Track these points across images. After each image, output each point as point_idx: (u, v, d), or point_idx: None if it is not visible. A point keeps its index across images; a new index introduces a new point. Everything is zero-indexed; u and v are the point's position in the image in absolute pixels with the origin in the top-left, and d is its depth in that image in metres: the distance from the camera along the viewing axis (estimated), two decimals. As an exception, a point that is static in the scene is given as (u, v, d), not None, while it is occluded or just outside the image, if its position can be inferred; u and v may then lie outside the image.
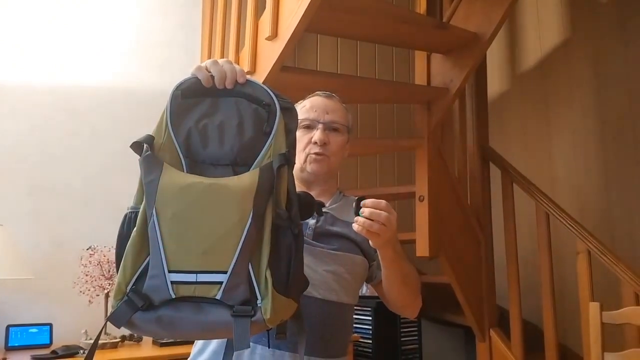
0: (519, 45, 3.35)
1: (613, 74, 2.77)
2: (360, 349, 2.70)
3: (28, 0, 2.41)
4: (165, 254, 0.77)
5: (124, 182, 2.42)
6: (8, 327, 2.04)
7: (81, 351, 1.96)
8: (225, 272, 0.76)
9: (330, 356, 1.17)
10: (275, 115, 0.88)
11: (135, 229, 0.80)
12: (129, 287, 0.78)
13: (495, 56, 3.43)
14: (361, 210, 1.04)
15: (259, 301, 0.77)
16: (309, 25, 1.80)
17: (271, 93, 0.90)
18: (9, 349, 2.01)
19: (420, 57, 2.49)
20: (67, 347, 1.95)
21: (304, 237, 1.17)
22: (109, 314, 0.78)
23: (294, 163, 0.89)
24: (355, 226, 1.06)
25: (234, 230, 0.77)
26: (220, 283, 0.76)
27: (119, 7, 2.61)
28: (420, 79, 2.46)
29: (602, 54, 2.83)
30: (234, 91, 0.89)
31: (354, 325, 2.74)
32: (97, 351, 0.86)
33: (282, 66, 1.91)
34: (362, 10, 1.96)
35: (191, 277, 0.76)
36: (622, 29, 2.76)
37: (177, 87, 0.88)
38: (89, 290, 2.15)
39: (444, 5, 2.65)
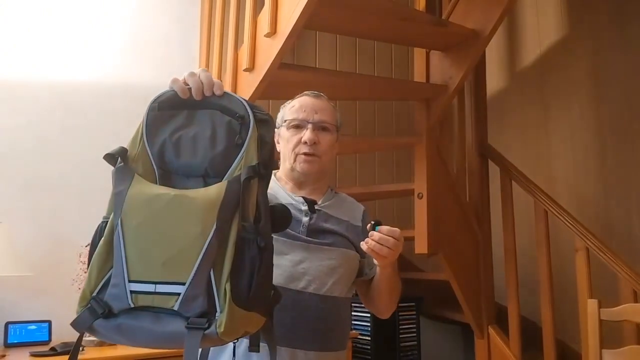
0: (518, 42, 3.35)
1: (611, 71, 2.77)
2: (359, 345, 2.71)
3: (26, -3, 2.40)
4: (126, 264, 0.78)
5: (122, 179, 2.42)
6: (7, 324, 2.04)
7: (80, 348, 1.95)
8: (184, 284, 0.76)
9: (327, 349, 1.19)
10: (249, 128, 0.88)
11: (102, 238, 0.82)
12: (92, 295, 0.80)
13: (494, 53, 3.43)
14: (370, 233, 1.11)
15: (217, 314, 0.77)
16: (308, 22, 1.80)
17: (246, 105, 0.90)
18: (8, 345, 2.01)
19: (419, 54, 2.49)
20: (66, 344, 1.95)
21: (298, 235, 1.19)
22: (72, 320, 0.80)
23: (269, 174, 0.89)
24: (363, 245, 1.11)
25: (196, 242, 0.77)
26: (178, 294, 0.76)
27: (117, 3, 2.61)
28: (419, 76, 2.46)
29: (601, 51, 2.83)
30: (210, 103, 0.90)
31: (353, 322, 2.74)
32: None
33: (281, 63, 1.91)
34: (361, 7, 1.95)
35: (150, 287, 0.77)
36: (620, 26, 2.76)
37: (154, 100, 0.90)
38: (87, 287, 2.14)
39: (443, 3, 2.65)
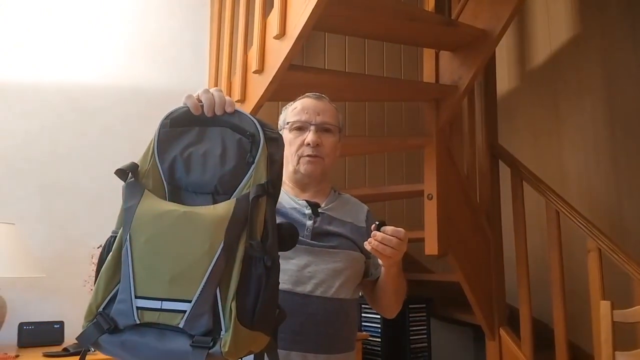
0: (529, 41, 3.33)
1: (623, 70, 2.75)
2: (369, 347, 2.70)
3: (40, 1, 2.43)
4: (134, 280, 0.78)
5: (133, 181, 2.43)
6: (20, 324, 2.06)
7: (92, 349, 1.97)
8: (190, 301, 0.76)
9: (337, 352, 1.20)
10: (259, 146, 0.88)
11: (110, 253, 0.82)
12: (99, 310, 0.80)
13: (504, 53, 3.41)
14: (373, 233, 1.11)
15: (222, 332, 0.76)
16: (316, 24, 1.80)
17: (257, 123, 0.90)
18: (21, 346, 2.03)
19: (428, 54, 2.48)
20: (78, 345, 1.97)
21: (303, 238, 1.20)
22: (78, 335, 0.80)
23: (277, 193, 0.89)
24: (367, 245, 1.11)
25: (203, 260, 0.77)
26: (184, 312, 0.76)
27: (128, 6, 2.63)
28: (428, 76, 2.45)
29: (612, 50, 2.80)
30: (221, 121, 0.90)
31: (363, 323, 2.74)
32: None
33: (290, 65, 1.91)
34: (370, 8, 1.95)
35: (156, 304, 0.77)
36: (632, 25, 2.73)
37: (167, 117, 0.91)
38: (99, 288, 2.16)
39: (453, 3, 2.64)
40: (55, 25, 2.46)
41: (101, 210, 2.40)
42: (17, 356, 1.86)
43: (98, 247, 2.22)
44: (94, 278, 2.24)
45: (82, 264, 2.24)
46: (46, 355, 1.89)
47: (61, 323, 2.13)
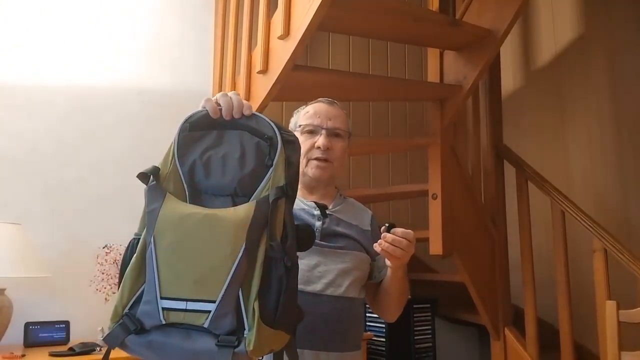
0: (534, 41, 3.32)
1: (629, 70, 2.73)
2: (374, 347, 2.70)
3: (43, 1, 2.44)
4: (159, 281, 0.80)
5: (138, 181, 2.44)
6: (27, 324, 2.07)
7: (98, 348, 1.98)
8: (214, 302, 0.78)
9: (347, 350, 1.22)
10: (277, 149, 0.90)
11: (135, 255, 0.83)
12: (125, 311, 0.82)
13: (509, 52, 3.40)
14: (383, 235, 1.12)
15: (246, 332, 0.78)
16: (320, 24, 1.80)
17: (274, 127, 0.92)
18: (27, 345, 2.04)
19: (433, 54, 2.48)
20: (84, 344, 1.98)
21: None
22: (104, 336, 0.82)
23: (295, 195, 0.91)
24: (377, 246, 1.12)
25: (226, 262, 0.79)
26: (209, 312, 0.78)
27: (132, 7, 2.64)
28: (433, 76, 2.45)
29: (618, 49, 2.79)
30: (239, 124, 0.92)
31: (368, 323, 2.74)
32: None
33: (294, 65, 1.92)
34: (374, 8, 1.95)
35: (181, 305, 0.79)
36: (637, 25, 2.72)
37: (186, 120, 0.92)
38: (105, 288, 2.18)
39: (457, 3, 2.64)
40: (61, 26, 2.47)
41: (106, 210, 2.41)
42: (23, 356, 1.87)
43: (103, 247, 2.23)
44: (98, 277, 2.24)
45: (88, 264, 2.25)
46: (52, 354, 1.90)
47: (67, 323, 2.14)
